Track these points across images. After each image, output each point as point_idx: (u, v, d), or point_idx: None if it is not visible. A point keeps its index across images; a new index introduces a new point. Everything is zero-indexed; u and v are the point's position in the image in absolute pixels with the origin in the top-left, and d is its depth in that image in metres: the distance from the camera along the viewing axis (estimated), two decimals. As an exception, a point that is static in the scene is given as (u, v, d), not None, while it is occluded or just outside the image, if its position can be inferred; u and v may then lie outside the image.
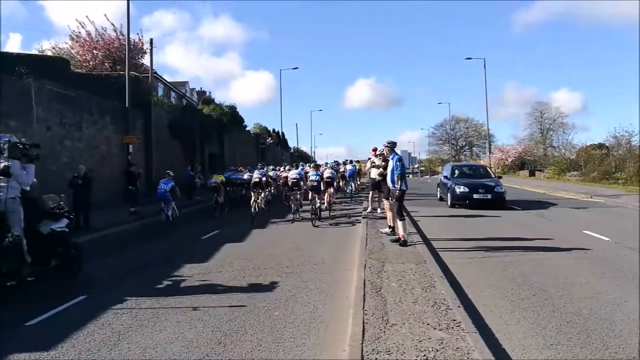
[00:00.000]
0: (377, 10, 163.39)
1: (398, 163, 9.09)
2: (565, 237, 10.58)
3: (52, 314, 5.93)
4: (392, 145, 9.53)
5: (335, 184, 18.37)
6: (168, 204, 14.38)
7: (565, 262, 8.10)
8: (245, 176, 20.19)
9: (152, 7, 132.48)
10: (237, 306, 5.97)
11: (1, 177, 6.58)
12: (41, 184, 15.61)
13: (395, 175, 9.02)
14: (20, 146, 7.08)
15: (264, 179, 16.74)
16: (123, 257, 9.81)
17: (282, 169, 22.93)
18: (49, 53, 27.22)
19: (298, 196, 15.41)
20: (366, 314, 5.13)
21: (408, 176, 9.68)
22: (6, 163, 6.61)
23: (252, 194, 15.81)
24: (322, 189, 15.08)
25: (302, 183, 15.41)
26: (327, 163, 26.54)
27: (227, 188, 18.83)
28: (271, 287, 6.86)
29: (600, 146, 41.14)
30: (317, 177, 14.78)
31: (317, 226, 13.25)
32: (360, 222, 13.23)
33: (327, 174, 16.42)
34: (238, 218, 15.42)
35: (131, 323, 5.49)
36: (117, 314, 5.85)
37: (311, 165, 20.56)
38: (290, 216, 14.89)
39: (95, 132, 19.80)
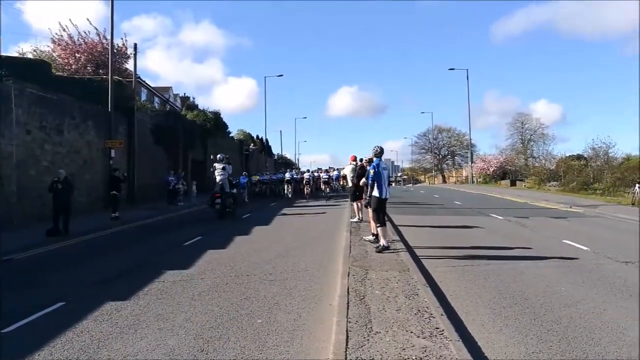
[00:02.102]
0: (360, 18, 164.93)
1: (371, 171, 9.19)
2: (546, 246, 10.73)
3: (29, 320, 5.82)
4: (375, 153, 9.56)
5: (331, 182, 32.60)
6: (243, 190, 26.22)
7: (545, 270, 8.20)
8: (274, 177, 35.35)
9: (132, 12, 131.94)
10: (220, 313, 5.93)
11: (222, 172, 17.24)
12: (20, 188, 15.39)
13: (369, 182, 9.17)
14: (227, 156, 18.95)
15: (288, 177, 31.27)
16: (104, 263, 9.65)
17: (299, 172, 37.40)
18: (30, 56, 26.83)
19: (309, 188, 29.82)
20: (350, 322, 5.12)
21: (391, 184, 9.73)
22: (225, 164, 17.47)
23: (286, 186, 30.63)
24: (330, 183, 31.48)
25: (312, 180, 30.78)
26: (331, 168, 37.88)
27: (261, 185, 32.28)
28: (254, 294, 6.82)
29: (579, 157, 41.97)
30: (327, 176, 31.68)
31: (328, 201, 26.60)
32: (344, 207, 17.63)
33: (333, 174, 33.94)
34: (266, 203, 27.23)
35: (111, 330, 5.40)
36: (96, 321, 5.75)
37: (322, 170, 35.58)
38: (304, 201, 26.91)
39: (76, 136, 19.55)
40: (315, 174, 33.49)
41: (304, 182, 30.26)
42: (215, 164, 17.60)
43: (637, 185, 21.99)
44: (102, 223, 15.95)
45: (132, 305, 6.37)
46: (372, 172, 9.18)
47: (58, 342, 5.04)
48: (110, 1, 21.69)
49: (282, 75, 75.45)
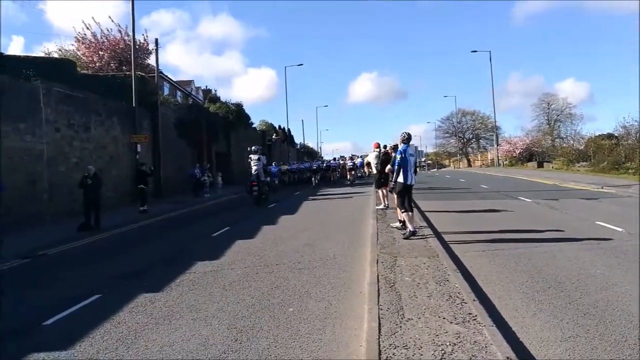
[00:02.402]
0: (377, 3, 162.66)
1: (398, 156, 9.13)
2: (578, 228, 10.50)
3: (68, 313, 5.99)
4: (403, 139, 9.46)
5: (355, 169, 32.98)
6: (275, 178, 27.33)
7: (578, 253, 8.03)
8: (301, 166, 37.78)
9: (150, 8, 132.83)
10: (251, 302, 5.99)
11: (257, 162, 18.72)
12: (51, 185, 15.79)
13: (395, 168, 9.12)
14: (261, 148, 24.28)
15: (314, 167, 34.01)
16: (135, 256, 9.85)
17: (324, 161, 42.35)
18: (55, 55, 27.38)
19: (336, 173, 34.99)
20: (381, 309, 5.11)
21: (417, 171, 9.63)
22: (260, 155, 19.25)
23: (313, 174, 32.76)
24: (355, 170, 32.18)
25: (338, 167, 35.63)
26: (355, 155, 38.44)
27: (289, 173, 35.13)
28: (284, 283, 6.87)
29: (610, 136, 40.76)
30: (352, 163, 32.83)
31: (353, 187, 27.66)
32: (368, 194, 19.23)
33: (357, 161, 33.49)
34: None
35: (147, 321, 5.51)
36: (132, 312, 5.88)
37: (347, 157, 38.18)
38: (329, 188, 28.21)
39: (103, 132, 19.93)
40: (341, 162, 36.74)
41: (331, 169, 35.24)
42: (251, 155, 19.20)
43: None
44: (131, 217, 16.27)
45: (165, 297, 6.49)
46: (398, 157, 9.12)
47: (97, 333, 5.18)
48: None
49: (302, 65, 75.05)
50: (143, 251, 10.42)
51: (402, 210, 9.29)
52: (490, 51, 53.27)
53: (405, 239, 9.03)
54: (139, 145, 21.70)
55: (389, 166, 10.94)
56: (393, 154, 11.07)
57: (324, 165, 36.38)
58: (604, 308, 5.32)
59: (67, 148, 17.41)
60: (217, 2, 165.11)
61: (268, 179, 21.33)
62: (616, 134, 39.86)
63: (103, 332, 5.24)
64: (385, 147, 14.20)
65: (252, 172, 18.91)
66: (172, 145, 26.36)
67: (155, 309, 5.96)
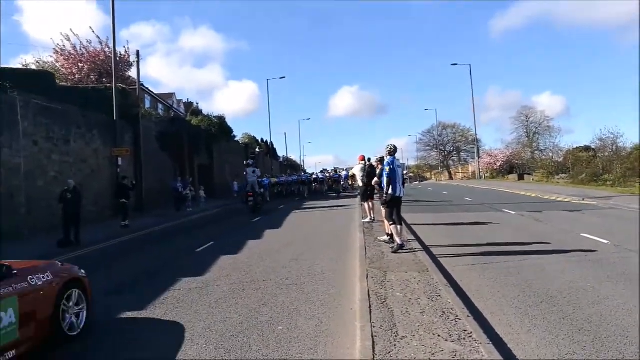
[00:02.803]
0: (357, 17, 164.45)
1: (386, 167, 9.06)
2: (564, 241, 10.53)
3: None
4: (389, 151, 9.37)
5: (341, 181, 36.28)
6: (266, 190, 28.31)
7: (567, 266, 8.02)
8: (289, 179, 38.93)
9: (130, 20, 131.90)
10: (239, 320, 5.79)
11: (252, 174, 20.61)
12: (29, 199, 15.35)
13: (384, 179, 9.04)
14: (255, 162, 25.22)
15: (304, 179, 37.34)
16: (117, 272, 9.55)
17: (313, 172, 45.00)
18: (33, 67, 26.89)
19: (324, 186, 37.18)
20: (374, 327, 4.97)
21: (405, 182, 9.53)
22: (255, 168, 21.41)
23: (301, 186, 35.87)
24: (340, 182, 35.63)
25: (324, 180, 37.53)
26: (337, 169, 42.76)
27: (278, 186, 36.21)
28: (272, 300, 6.68)
29: (587, 149, 41.56)
30: (337, 175, 37.21)
31: (339, 198, 30.35)
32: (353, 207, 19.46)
33: (343, 174, 36.39)
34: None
35: (128, 340, 5.27)
36: (111, 332, 5.63)
37: (328, 170, 41.89)
38: (315, 202, 27.60)
39: (83, 145, 19.54)
40: (327, 175, 39.53)
41: (318, 181, 38.09)
42: (247, 169, 21.48)
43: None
44: (112, 232, 15.89)
45: (149, 315, 6.25)
46: (387, 169, 9.03)
47: (78, 353, 4.93)
48: (111, 9, 21.64)
49: (284, 77, 75.60)
50: (125, 267, 10.11)
51: (391, 223, 9.20)
52: (470, 64, 54.09)
53: (393, 252, 8.93)
54: (120, 159, 21.31)
55: (375, 179, 10.87)
56: (379, 167, 11.01)
57: (313, 178, 39.12)
58: (598, 323, 5.26)
59: (46, 161, 16.98)
60: (197, 16, 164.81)
61: (262, 190, 23.87)
62: (593, 147, 40.66)
63: (79, 351, 4.99)
64: (369, 159, 14.15)
65: (248, 183, 21.06)
66: (154, 158, 25.99)
67: (137, 328, 5.72)
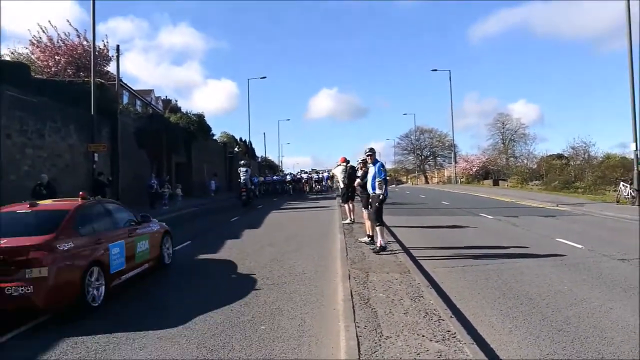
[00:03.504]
0: (339, 19, 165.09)
1: (381, 169, 9.13)
2: (540, 245, 10.72)
3: (19, 332, 5.53)
4: (373, 153, 9.45)
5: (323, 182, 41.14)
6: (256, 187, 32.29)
7: (545, 269, 8.16)
8: (274, 178, 43.91)
9: (107, 14, 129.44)
10: (221, 320, 5.71)
11: (245, 173, 24.61)
12: (0, 193, 14.88)
13: (377, 182, 9.01)
14: (248, 162, 31.75)
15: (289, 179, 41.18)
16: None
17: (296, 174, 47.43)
18: (7, 58, 26.15)
19: (307, 185, 40.75)
20: (358, 327, 4.96)
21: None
22: (247, 168, 25.57)
23: (286, 185, 39.65)
24: (321, 182, 40.38)
25: (307, 180, 41.41)
26: (313, 170, 47.07)
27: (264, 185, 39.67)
28: (254, 300, 6.61)
29: (560, 156, 42.58)
30: (318, 176, 41.81)
31: (318, 196, 34.39)
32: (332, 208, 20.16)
33: (324, 175, 40.68)
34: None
35: (107, 341, 5.15)
36: (93, 335, 5.47)
37: (305, 171, 46.70)
38: (296, 202, 28.76)
39: (58, 140, 19.04)
40: (309, 176, 43.60)
41: (303, 181, 42.06)
42: (241, 169, 25.29)
43: (621, 183, 22.28)
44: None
45: (128, 314, 6.11)
46: (383, 170, 9.17)
47: (52, 356, 4.79)
48: (91, 2, 21.19)
49: (265, 77, 75.18)
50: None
51: (378, 224, 9.19)
52: (450, 70, 54.75)
53: (375, 253, 8.96)
54: (96, 155, 20.84)
55: (358, 180, 10.88)
56: (362, 169, 11.05)
57: (297, 177, 43.71)
58: (577, 324, 5.36)
59: (19, 155, 16.48)
60: (177, 13, 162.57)
61: (252, 187, 28.08)
62: (566, 155, 41.68)
63: (58, 353, 4.85)
64: (348, 162, 14.15)
65: (241, 180, 24.91)
66: (131, 155, 25.53)
67: (117, 326, 5.58)
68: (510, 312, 5.84)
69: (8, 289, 5.46)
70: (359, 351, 4.32)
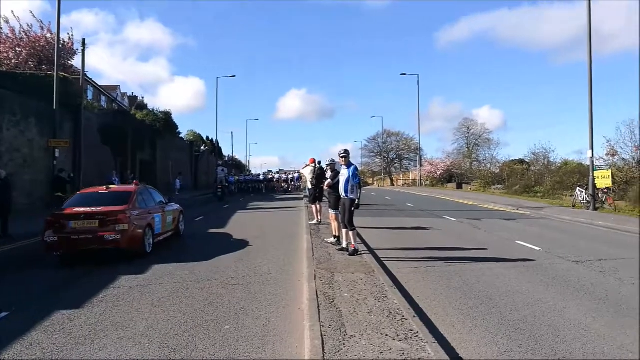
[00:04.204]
0: (308, 21, 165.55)
1: (356, 172, 9.16)
2: (501, 247, 11.04)
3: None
4: (347, 154, 9.42)
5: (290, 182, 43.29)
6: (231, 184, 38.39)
7: (504, 271, 8.41)
8: (248, 178, 49.22)
9: (72, 6, 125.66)
10: (184, 320, 5.66)
11: (222, 172, 35.01)
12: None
13: (350, 185, 9.04)
14: (225, 162, 61.55)
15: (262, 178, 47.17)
16: (51, 270, 9.04)
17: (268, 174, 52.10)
18: (-36, 48, 25.10)
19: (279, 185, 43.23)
20: (323, 326, 5.00)
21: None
22: (224, 167, 40.40)
23: (259, 184, 44.55)
24: (290, 182, 42.71)
25: (274, 181, 45.27)
26: (281, 170, 52.23)
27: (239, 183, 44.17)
28: (218, 299, 6.57)
29: (521, 161, 43.85)
30: (286, 177, 44.00)
31: (284, 196, 34.42)
32: (299, 209, 20.70)
33: (294, 176, 42.97)
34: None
35: (65, 341, 5.03)
36: (47, 332, 5.35)
37: (277, 171, 53.81)
38: (262, 202, 28.35)
39: (17, 133, 18.44)
40: (280, 176, 47.04)
41: (274, 181, 45.51)
42: (218, 168, 34.12)
43: (577, 188, 23.15)
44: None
45: (87, 314, 5.98)
46: (357, 173, 9.22)
47: (4, 357, 4.64)
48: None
49: (234, 76, 74.57)
50: (59, 264, 9.57)
51: (352, 228, 9.22)
52: (418, 75, 55.59)
53: (350, 255, 8.97)
54: (57, 150, 20.23)
55: (328, 181, 10.92)
56: (329, 171, 11.11)
57: (269, 177, 47.82)
58: (533, 323, 5.56)
59: (-27, 149, 15.88)
60: (144, 8, 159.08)
61: (227, 184, 34.65)
62: (527, 160, 42.97)
63: (12, 354, 4.71)
64: (319, 162, 14.24)
65: (218, 178, 32.84)
66: (94, 151, 24.89)
67: (75, 328, 5.46)
68: (470, 312, 6.00)
69: (107, 236, 9.03)
70: (324, 350, 4.36)
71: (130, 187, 11.11)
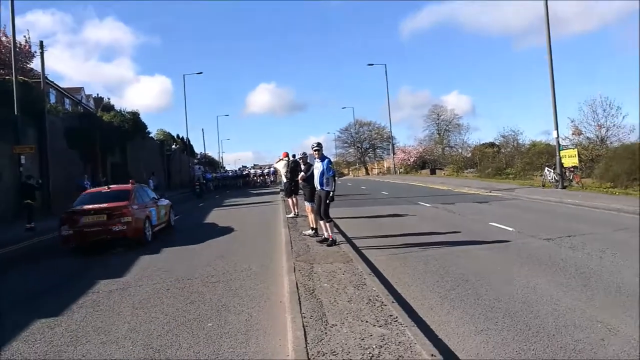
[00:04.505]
0: (271, 13, 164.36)
1: (330, 165, 9.21)
2: (475, 230, 11.31)
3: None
4: (320, 148, 9.47)
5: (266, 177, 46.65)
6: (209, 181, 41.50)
7: (479, 252, 8.64)
8: (225, 174, 51.67)
9: (25, 8, 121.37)
10: (166, 320, 5.66)
11: (198, 170, 46.35)
12: None
13: (325, 178, 9.10)
14: (202, 160, 69.55)
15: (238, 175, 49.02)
16: (26, 278, 8.88)
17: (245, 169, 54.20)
18: None
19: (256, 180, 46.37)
20: (304, 317, 5.08)
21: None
22: (200, 166, 53.76)
23: (237, 180, 46.66)
24: (265, 177, 46.47)
25: (251, 176, 47.65)
26: (256, 165, 56.56)
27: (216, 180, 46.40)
28: (199, 298, 6.58)
29: (492, 145, 44.66)
30: (261, 172, 48.06)
31: (259, 191, 35.74)
32: (276, 203, 21.19)
33: (269, 170, 45.97)
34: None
35: (47, 350, 4.99)
36: (27, 341, 5.29)
37: (252, 166, 57.62)
38: (239, 198, 28.30)
39: (-21, 142, 17.82)
40: (256, 171, 49.91)
41: (251, 176, 47.54)
42: (194, 166, 40.73)
43: (546, 168, 23.78)
44: (16, 235, 14.70)
45: (67, 321, 5.93)
46: (331, 166, 9.27)
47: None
48: (10, -6, 19.91)
49: (201, 73, 73.32)
50: (34, 273, 9.39)
51: (329, 220, 9.29)
52: (385, 65, 55.98)
53: (328, 246, 9.06)
54: (23, 157, 19.70)
55: (302, 174, 10.97)
56: (302, 164, 11.17)
57: (245, 173, 49.69)
58: (507, 301, 5.75)
59: None
60: (102, 6, 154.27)
61: (205, 181, 37.14)
62: (497, 143, 43.78)
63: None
64: (293, 156, 14.26)
65: (195, 176, 36.43)
66: (62, 156, 24.32)
67: (55, 336, 5.40)
68: (448, 295, 6.17)
69: (114, 227, 10.75)
70: (306, 340, 4.44)
71: (128, 186, 12.63)
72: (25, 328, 5.71)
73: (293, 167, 13.45)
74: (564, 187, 20.92)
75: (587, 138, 28.79)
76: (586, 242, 9.05)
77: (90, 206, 11.10)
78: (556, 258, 7.89)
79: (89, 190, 13.52)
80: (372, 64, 57.56)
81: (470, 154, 48.31)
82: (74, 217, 10.92)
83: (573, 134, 29.35)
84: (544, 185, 22.93)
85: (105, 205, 11.05)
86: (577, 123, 29.06)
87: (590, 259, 7.72)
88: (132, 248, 10.96)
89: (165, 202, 14.31)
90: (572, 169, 22.08)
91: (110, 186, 13.02)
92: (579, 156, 22.75)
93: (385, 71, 55.75)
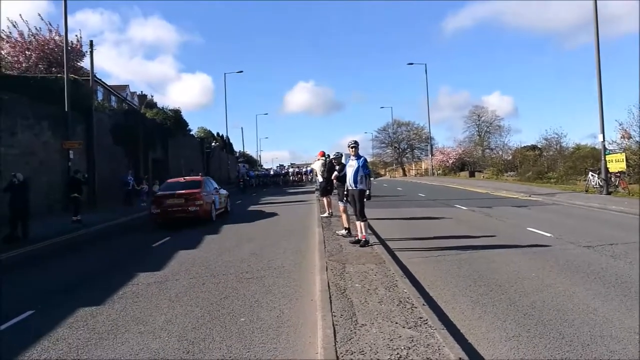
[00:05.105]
0: (314, 13, 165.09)
1: (365, 164, 9.27)
2: (512, 234, 11.10)
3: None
4: (357, 145, 9.47)
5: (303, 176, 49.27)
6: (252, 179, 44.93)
7: (514, 257, 8.49)
8: (265, 173, 53.90)
9: (75, 7, 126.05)
10: (201, 313, 5.85)
11: (243, 168, 46.97)
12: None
13: (360, 176, 9.11)
14: (246, 159, 74.20)
15: (279, 173, 51.64)
16: (71, 269, 9.35)
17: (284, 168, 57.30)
18: (-24, 54, 25.52)
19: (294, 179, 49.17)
20: (335, 316, 5.15)
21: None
22: (245, 164, 56.58)
23: (277, 178, 49.08)
24: (303, 176, 49.49)
25: (289, 175, 50.82)
26: (293, 164, 61.90)
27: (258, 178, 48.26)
28: (233, 293, 6.76)
29: (533, 148, 43.46)
30: (298, 170, 52.78)
31: (296, 190, 36.88)
32: (311, 202, 21.77)
33: (306, 169, 49.29)
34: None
35: (89, 337, 5.25)
36: (71, 327, 5.58)
37: (285, 166, 60.26)
38: (279, 197, 29.38)
39: (31, 137, 18.79)
40: (294, 169, 53.47)
41: (289, 175, 50.45)
42: (239, 164, 43.39)
43: (590, 173, 22.99)
44: (63, 227, 15.40)
45: (108, 310, 6.21)
46: (367, 164, 9.34)
47: (33, 352, 4.88)
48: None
49: (242, 72, 74.73)
50: (79, 263, 9.89)
51: (364, 219, 9.32)
52: (425, 64, 55.33)
53: (361, 246, 9.09)
54: (71, 152, 20.59)
55: (335, 173, 11.05)
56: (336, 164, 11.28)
57: (284, 172, 52.21)
58: (541, 308, 5.65)
59: (-10, 154, 16.24)
60: (147, 5, 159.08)
61: (248, 178, 41.59)
62: (539, 146, 42.57)
63: (40, 350, 4.93)
64: (329, 155, 14.32)
65: (240, 173, 41.54)
66: (107, 152, 25.26)
67: (97, 323, 5.68)
68: (480, 299, 6.11)
69: (190, 208, 14.55)
70: (335, 338, 4.51)
71: (199, 177, 17.32)
72: (70, 315, 6.03)
73: (330, 166, 13.52)
74: (608, 193, 20.19)
75: (637, 142, 27.62)
76: (629, 251, 8.74)
77: (171, 192, 14.92)
78: (596, 266, 7.67)
79: (169, 180, 17.66)
80: (412, 63, 56.93)
81: (510, 157, 47.15)
82: (161, 200, 14.74)
83: (622, 137, 28.15)
84: (587, 191, 22.19)
85: (183, 191, 14.83)
86: (626, 126, 27.89)
87: (632, 268, 7.47)
88: (202, 224, 14.50)
89: (224, 192, 18.75)
90: (618, 174, 21.25)
91: (185, 177, 17.33)
92: (626, 161, 21.87)
93: (425, 70, 55.02)
